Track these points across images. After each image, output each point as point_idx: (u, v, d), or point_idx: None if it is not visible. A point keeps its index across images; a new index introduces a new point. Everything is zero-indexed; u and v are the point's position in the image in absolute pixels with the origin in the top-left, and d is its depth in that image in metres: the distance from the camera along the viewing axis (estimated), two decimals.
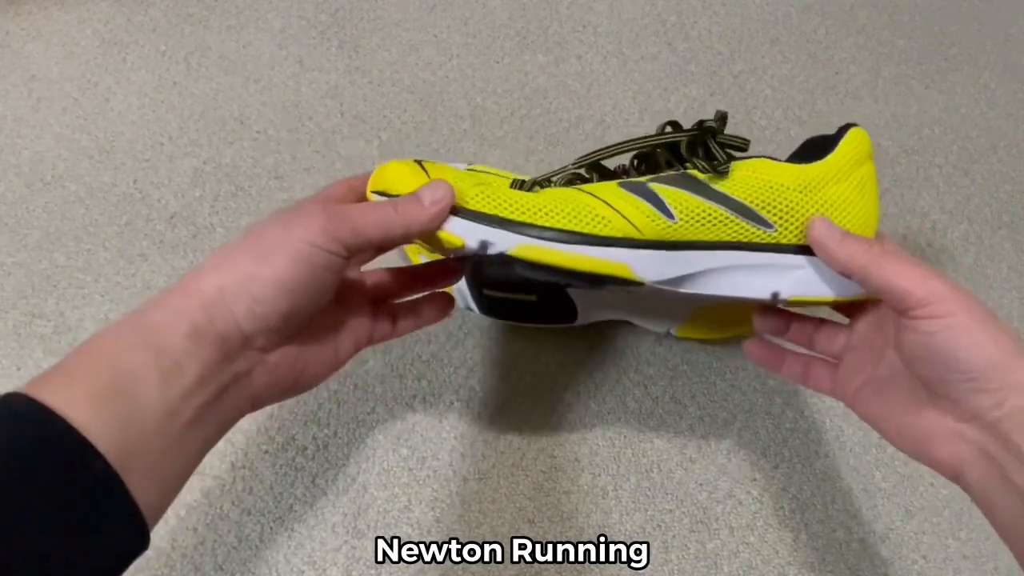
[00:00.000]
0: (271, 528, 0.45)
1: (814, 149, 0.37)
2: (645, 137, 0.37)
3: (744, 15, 0.72)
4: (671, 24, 0.71)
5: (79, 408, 0.25)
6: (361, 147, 0.61)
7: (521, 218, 0.33)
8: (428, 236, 0.33)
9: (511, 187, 0.36)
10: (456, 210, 0.33)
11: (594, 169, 0.38)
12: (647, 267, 0.34)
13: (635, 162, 0.39)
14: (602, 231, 0.34)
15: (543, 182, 0.37)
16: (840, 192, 0.36)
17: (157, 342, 0.28)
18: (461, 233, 0.33)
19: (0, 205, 0.57)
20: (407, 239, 0.33)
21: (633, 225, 0.34)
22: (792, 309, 0.41)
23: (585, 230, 0.33)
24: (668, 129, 0.38)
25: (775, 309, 0.41)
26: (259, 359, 0.31)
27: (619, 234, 0.34)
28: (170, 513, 0.40)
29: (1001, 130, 0.66)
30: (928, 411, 0.32)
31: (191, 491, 0.46)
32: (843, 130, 0.37)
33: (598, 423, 0.50)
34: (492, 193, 0.34)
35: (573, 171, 0.38)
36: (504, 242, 0.33)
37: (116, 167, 0.59)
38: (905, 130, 0.65)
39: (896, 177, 0.62)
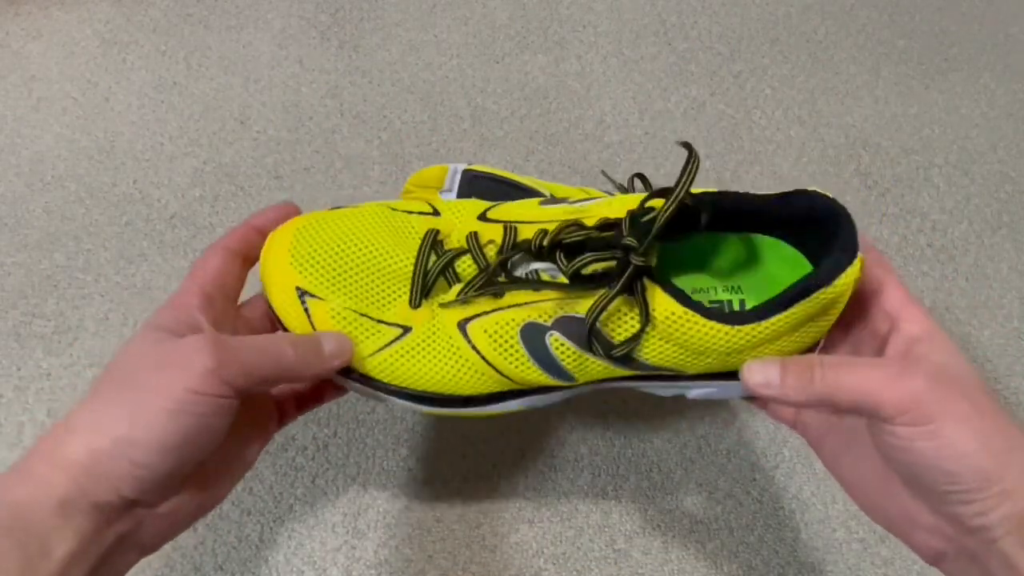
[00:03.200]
0: (271, 528, 0.45)
1: (806, 284, 0.28)
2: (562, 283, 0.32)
3: (744, 15, 0.72)
4: (671, 24, 0.71)
5: None
6: (361, 147, 0.61)
7: (412, 388, 0.33)
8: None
9: (447, 303, 0.33)
10: (350, 371, 0.33)
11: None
12: (546, 399, 0.35)
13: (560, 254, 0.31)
14: (501, 388, 0.33)
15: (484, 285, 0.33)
16: (778, 347, 0.30)
17: (20, 522, 0.24)
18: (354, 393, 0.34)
19: (0, 205, 0.57)
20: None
21: (534, 383, 0.33)
22: None
23: (482, 391, 0.33)
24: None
25: None
26: (149, 513, 0.27)
27: (519, 387, 0.33)
28: None
29: (1001, 130, 0.66)
30: (903, 495, 0.28)
31: None
32: (838, 268, 0.28)
33: (598, 423, 0.50)
34: (394, 359, 0.33)
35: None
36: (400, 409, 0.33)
37: (116, 167, 0.59)
38: (905, 130, 0.65)
39: (896, 177, 0.62)
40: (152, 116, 0.62)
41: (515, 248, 0.32)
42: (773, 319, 0.29)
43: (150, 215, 0.57)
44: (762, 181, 0.61)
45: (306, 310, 0.33)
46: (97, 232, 0.56)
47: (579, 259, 0.29)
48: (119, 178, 0.59)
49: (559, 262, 0.30)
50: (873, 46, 0.70)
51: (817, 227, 0.30)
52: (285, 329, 0.34)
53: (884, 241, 0.58)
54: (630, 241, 0.28)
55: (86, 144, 0.61)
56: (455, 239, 0.34)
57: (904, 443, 0.26)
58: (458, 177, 0.47)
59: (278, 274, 0.33)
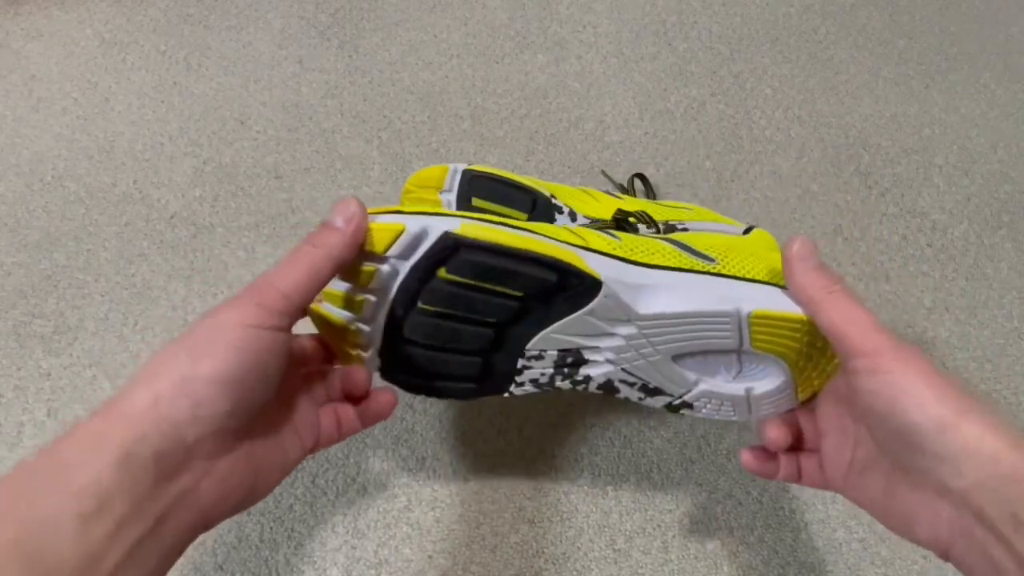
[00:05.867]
0: (271, 528, 0.45)
1: None
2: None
3: (744, 15, 0.72)
4: (671, 24, 0.71)
5: None
6: (361, 147, 0.61)
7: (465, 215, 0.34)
8: (355, 255, 0.32)
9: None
10: (398, 211, 0.33)
11: None
12: (599, 264, 0.34)
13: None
14: (554, 235, 0.35)
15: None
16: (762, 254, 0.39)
17: (75, 480, 0.24)
18: (402, 220, 0.32)
19: (0, 205, 0.57)
20: (338, 269, 0.31)
21: (583, 239, 0.36)
22: (759, 352, 0.37)
23: (537, 231, 0.34)
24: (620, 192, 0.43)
25: (768, 423, 0.37)
26: (206, 469, 0.27)
27: (571, 241, 0.35)
28: None
29: (1001, 130, 0.66)
30: (905, 490, 0.30)
31: None
32: (747, 231, 0.44)
33: (598, 423, 0.50)
34: (442, 210, 0.35)
35: None
36: (448, 224, 0.32)
37: (116, 167, 0.59)
38: (905, 130, 0.65)
39: (896, 177, 0.62)
40: (152, 116, 0.62)
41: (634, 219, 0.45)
42: (743, 237, 0.43)
43: (150, 215, 0.57)
44: (762, 181, 0.61)
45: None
46: (97, 232, 0.56)
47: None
48: (119, 178, 0.59)
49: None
50: (873, 46, 0.70)
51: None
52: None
53: (884, 241, 0.58)
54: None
55: (86, 144, 0.61)
56: None
57: (869, 396, 0.29)
58: (458, 177, 0.47)
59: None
